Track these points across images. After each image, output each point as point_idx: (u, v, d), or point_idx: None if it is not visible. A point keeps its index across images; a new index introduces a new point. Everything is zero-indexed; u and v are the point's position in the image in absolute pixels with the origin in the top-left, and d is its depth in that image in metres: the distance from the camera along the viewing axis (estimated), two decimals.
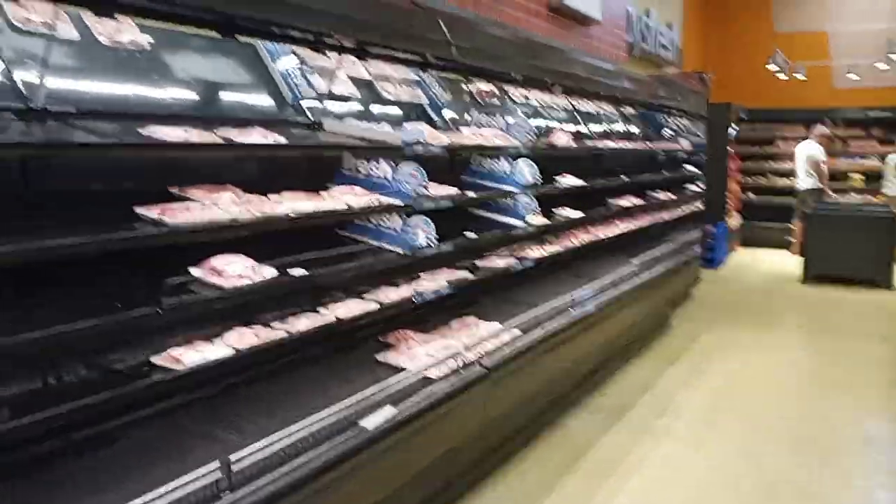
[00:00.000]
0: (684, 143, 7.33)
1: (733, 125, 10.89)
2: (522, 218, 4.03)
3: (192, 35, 2.72)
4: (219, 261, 2.21)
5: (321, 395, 2.43)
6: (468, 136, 3.64)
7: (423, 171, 2.97)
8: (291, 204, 2.41)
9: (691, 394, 4.59)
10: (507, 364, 3.36)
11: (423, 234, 3.02)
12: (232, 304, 2.27)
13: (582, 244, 4.86)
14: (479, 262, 3.89)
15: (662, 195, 6.61)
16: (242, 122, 2.55)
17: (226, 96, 2.88)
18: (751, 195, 11.84)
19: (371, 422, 2.29)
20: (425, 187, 2.98)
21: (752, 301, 7.56)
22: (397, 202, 2.92)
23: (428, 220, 3.02)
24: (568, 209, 4.72)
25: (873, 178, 11.08)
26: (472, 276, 3.58)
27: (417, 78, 3.96)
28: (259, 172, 2.78)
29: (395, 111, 3.75)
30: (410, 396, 2.61)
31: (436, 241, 3.04)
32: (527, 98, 5.21)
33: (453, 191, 3.35)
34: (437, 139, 3.19)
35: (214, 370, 2.17)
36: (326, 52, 3.05)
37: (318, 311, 2.68)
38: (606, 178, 5.43)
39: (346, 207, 2.61)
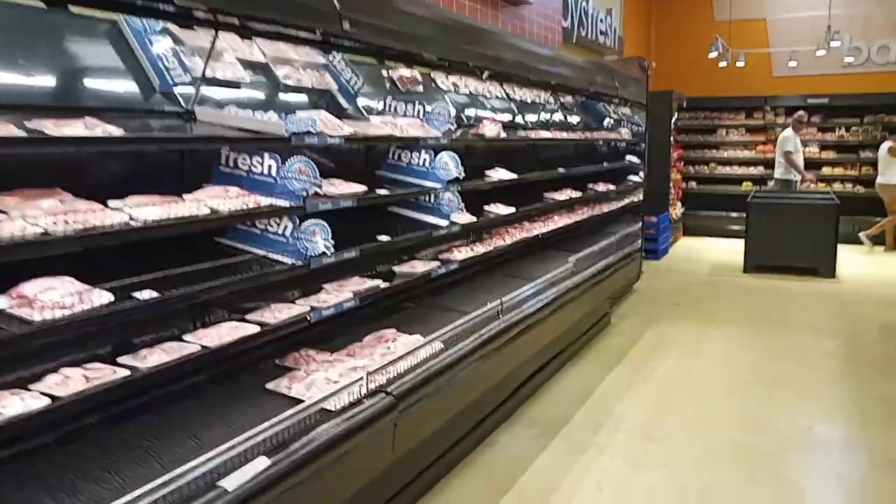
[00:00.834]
0: (625, 133, 7.06)
1: (677, 114, 10.74)
2: (447, 217, 3.65)
3: (35, 10, 2.24)
4: (31, 287, 1.75)
5: (178, 445, 1.99)
6: (377, 125, 3.22)
7: (314, 167, 2.55)
8: (136, 211, 1.96)
9: (632, 402, 4.28)
10: (428, 383, 2.97)
11: (320, 240, 2.59)
12: (54, 340, 1.82)
13: (515, 242, 4.50)
14: (397, 268, 3.49)
15: (603, 187, 6.32)
16: (80, 112, 2.08)
17: (72, 83, 2.39)
18: (693, 184, 11.73)
19: (234, 480, 1.85)
20: (318, 185, 2.56)
21: (694, 293, 7.35)
22: (282, 203, 2.50)
23: (324, 224, 2.60)
24: (500, 205, 4.36)
25: (813, 166, 11.06)
26: (386, 284, 3.16)
27: (325, 61, 3.51)
28: (108, 173, 2.30)
29: (298, 98, 3.32)
30: (298, 439, 2.18)
31: (332, 248, 2.62)
32: (456, 86, 4.81)
33: (357, 188, 2.93)
34: (335, 129, 2.77)
35: (31, 422, 1.71)
36: (196, 27, 2.59)
37: (183, 339, 2.24)
38: (543, 170, 5.09)
39: (208, 212, 2.16)
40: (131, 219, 1.89)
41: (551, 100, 6.23)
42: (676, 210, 10.79)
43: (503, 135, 4.38)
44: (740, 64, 10.82)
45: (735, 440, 3.74)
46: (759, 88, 11.48)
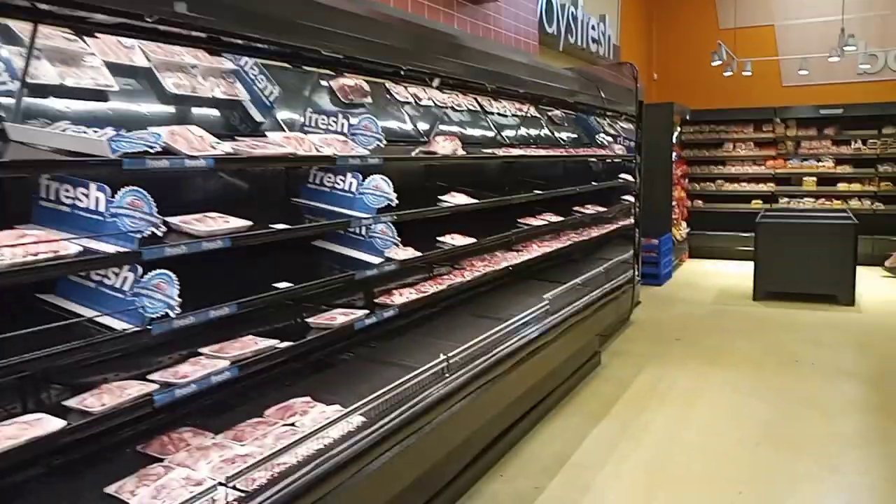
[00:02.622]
0: (619, 149, 6.37)
1: (679, 127, 10.06)
2: (380, 252, 2.98)
3: None
4: None
5: None
6: (277, 142, 2.56)
7: (149, 199, 1.89)
8: None
9: (615, 472, 3.56)
10: (336, 475, 2.30)
11: (163, 295, 1.93)
12: None
13: (478, 278, 3.81)
14: (313, 320, 2.80)
15: (591, 209, 5.63)
16: None
17: None
18: (699, 202, 11.00)
19: None
20: (154, 223, 1.90)
21: (698, 326, 6.61)
22: (108, 248, 1.84)
23: (169, 274, 1.93)
24: (457, 236, 3.70)
25: (827, 181, 10.32)
26: (287, 343, 2.48)
27: (234, 67, 2.87)
28: None
29: (198, 112, 2.69)
30: None
31: (175, 306, 1.94)
32: (418, 98, 4.15)
33: (237, 224, 2.26)
34: (201, 148, 2.12)
35: None
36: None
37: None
38: (518, 192, 4.43)
39: None
40: None
41: (535, 113, 5.57)
42: (681, 231, 10.07)
43: (460, 152, 3.72)
44: (747, 73, 10.12)
45: None
46: (768, 99, 10.76)
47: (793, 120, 10.55)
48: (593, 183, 5.78)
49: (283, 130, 2.89)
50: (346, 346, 3.34)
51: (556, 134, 5.83)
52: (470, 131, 4.69)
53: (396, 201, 2.91)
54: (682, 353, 5.68)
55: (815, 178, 10.38)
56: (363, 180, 2.88)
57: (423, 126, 4.09)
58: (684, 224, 10.42)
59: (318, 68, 3.30)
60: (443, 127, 4.31)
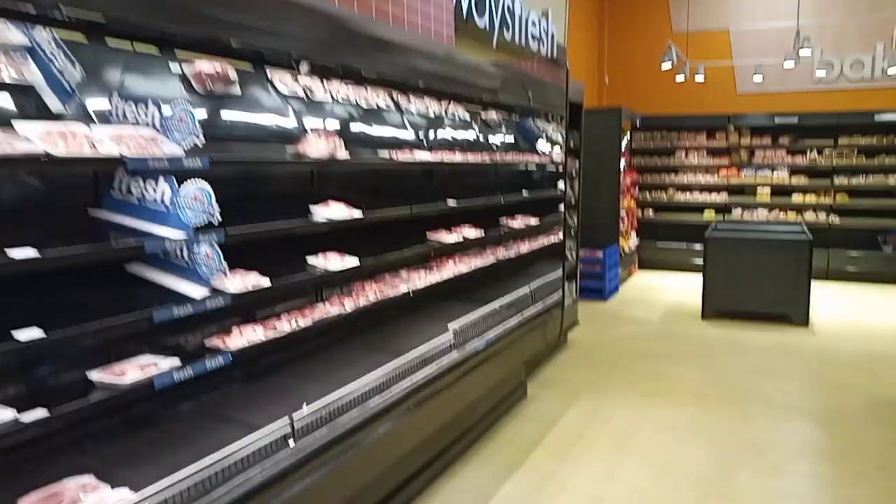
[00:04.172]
0: (557, 155, 5.75)
1: (629, 134, 9.55)
2: (206, 281, 2.30)
3: None
4: None
5: None
6: (31, 136, 1.86)
7: None
8: None
9: None
10: None
11: None
12: None
13: (358, 309, 3.14)
14: (98, 375, 2.10)
15: (520, 222, 4.99)
16: None
17: None
18: (649, 212, 10.49)
19: None
20: None
21: (640, 349, 6.03)
22: None
23: None
24: (334, 255, 3.03)
25: (782, 192, 9.90)
26: (37, 415, 1.79)
27: (28, 43, 2.15)
28: None
29: None
30: None
31: None
32: (309, 91, 3.47)
33: None
34: None
35: None
36: None
37: None
38: (430, 201, 3.81)
39: None
40: None
41: (465, 115, 4.94)
42: (629, 241, 9.55)
43: (341, 154, 3.05)
44: (699, 78, 9.65)
45: None
46: (722, 106, 10.32)
47: (747, 128, 10.10)
48: (524, 192, 5.15)
49: (93, 122, 2.21)
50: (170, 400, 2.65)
51: (489, 138, 5.19)
52: (378, 131, 4.01)
53: (220, 217, 2.23)
54: (619, 382, 5.08)
55: (769, 189, 9.95)
56: (180, 189, 2.20)
57: (310, 123, 3.38)
58: (634, 234, 9.91)
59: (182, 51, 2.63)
60: (346, 126, 3.62)
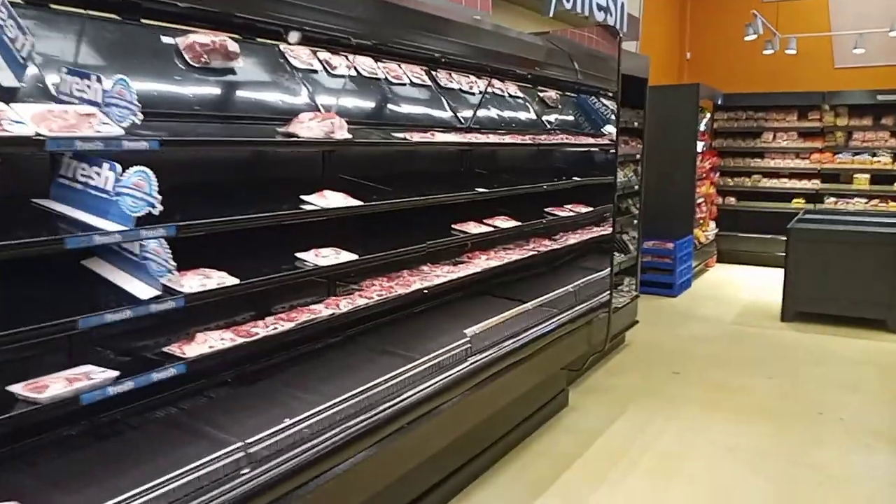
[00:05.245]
0: (607, 138, 5.18)
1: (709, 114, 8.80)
2: (156, 280, 2.02)
3: None
4: None
5: None
6: None
7: None
8: None
9: None
10: None
11: None
12: None
13: (357, 309, 2.80)
14: (21, 388, 1.84)
15: (568, 211, 4.53)
16: None
17: None
18: (731, 200, 9.69)
19: None
20: None
21: (706, 353, 5.46)
22: None
23: None
24: (329, 250, 2.71)
25: (883, 180, 8.90)
26: None
27: None
28: None
29: None
30: None
31: None
32: (329, 65, 3.16)
33: None
34: None
35: None
36: None
37: None
38: (467, 189, 3.46)
39: None
40: None
41: (518, 93, 4.53)
42: (707, 231, 8.83)
43: (340, 135, 2.72)
44: (791, 51, 8.75)
45: None
46: (816, 83, 9.33)
47: (844, 107, 9.12)
48: (574, 178, 4.67)
49: (56, 98, 1.97)
50: (149, 406, 2.40)
51: (540, 117, 4.73)
52: (409, 110, 3.63)
53: (161, 206, 1.93)
54: (677, 393, 4.56)
55: (868, 176, 8.96)
56: (123, 174, 1.91)
57: (325, 101, 3.04)
58: (712, 224, 9.17)
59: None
60: (367, 104, 3.28)
